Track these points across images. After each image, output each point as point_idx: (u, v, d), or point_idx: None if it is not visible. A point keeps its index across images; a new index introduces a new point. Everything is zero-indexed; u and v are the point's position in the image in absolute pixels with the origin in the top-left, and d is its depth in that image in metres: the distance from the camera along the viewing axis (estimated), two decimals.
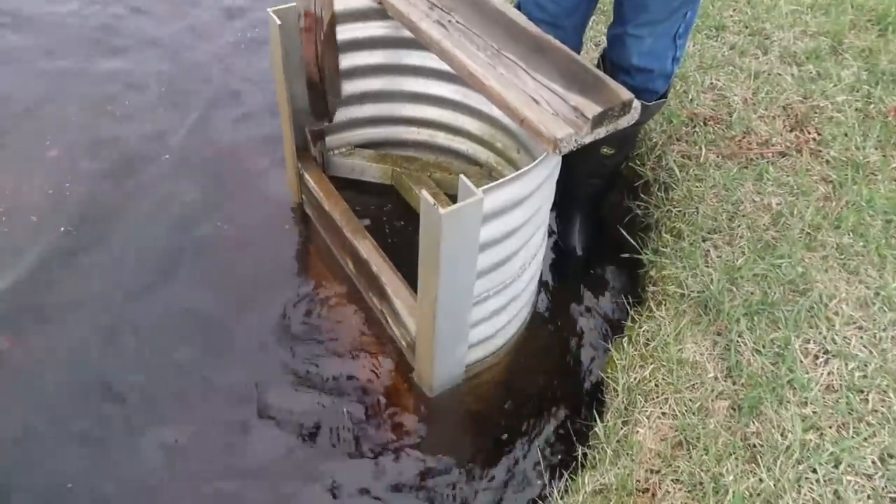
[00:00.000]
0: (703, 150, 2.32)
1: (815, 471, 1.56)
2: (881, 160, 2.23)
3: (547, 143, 1.48)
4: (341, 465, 1.80)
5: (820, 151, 2.28)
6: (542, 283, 2.21)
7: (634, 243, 2.20)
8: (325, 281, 2.19)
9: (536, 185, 1.63)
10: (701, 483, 1.58)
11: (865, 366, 1.73)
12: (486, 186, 1.49)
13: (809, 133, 2.34)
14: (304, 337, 2.04)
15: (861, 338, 1.79)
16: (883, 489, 1.53)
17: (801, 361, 1.75)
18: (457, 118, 2.36)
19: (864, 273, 1.93)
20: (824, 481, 1.54)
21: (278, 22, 1.94)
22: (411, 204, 2.32)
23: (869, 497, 1.51)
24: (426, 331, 1.75)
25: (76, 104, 2.69)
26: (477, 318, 1.80)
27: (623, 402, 1.82)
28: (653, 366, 1.84)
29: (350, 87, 2.29)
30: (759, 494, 1.53)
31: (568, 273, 2.30)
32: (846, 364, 1.74)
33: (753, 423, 1.66)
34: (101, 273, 2.15)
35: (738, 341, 1.82)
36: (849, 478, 1.55)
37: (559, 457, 1.85)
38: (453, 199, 2.12)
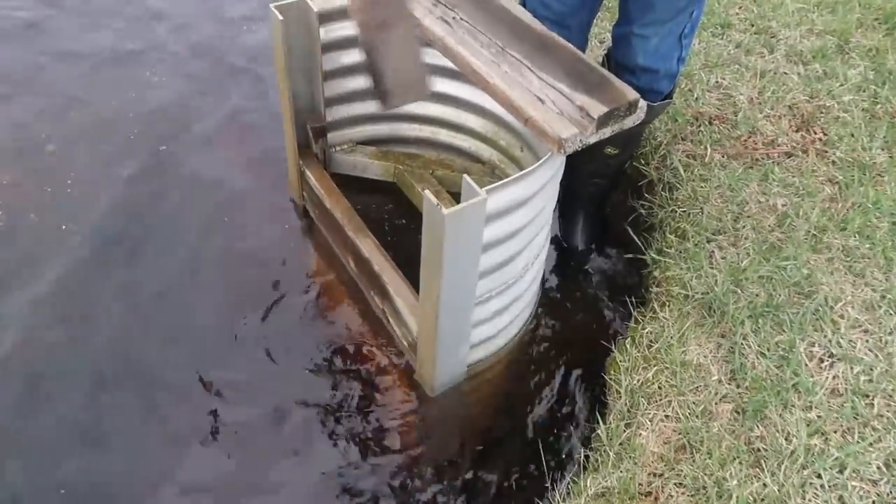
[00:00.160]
0: (708, 150, 2.30)
1: (819, 476, 1.54)
2: (888, 161, 2.21)
3: (552, 142, 1.46)
4: (342, 464, 1.79)
5: (826, 152, 2.26)
6: (544, 284, 2.19)
7: (638, 243, 2.18)
8: (326, 279, 2.17)
9: (540, 186, 1.62)
10: (704, 487, 1.57)
11: (871, 370, 1.71)
12: (489, 186, 1.48)
13: (815, 133, 2.32)
14: (304, 336, 2.03)
15: (867, 341, 1.77)
16: (888, 495, 1.51)
17: (806, 365, 1.74)
18: (460, 115, 2.34)
19: (871, 276, 1.91)
20: (829, 487, 1.53)
21: (280, 17, 1.92)
22: (413, 202, 2.30)
23: (874, 503, 1.50)
24: (428, 331, 1.74)
25: (76, 95, 2.68)
26: (479, 318, 1.79)
27: (626, 404, 1.80)
28: (656, 368, 1.82)
29: (353, 83, 2.27)
30: (763, 500, 1.52)
31: (570, 273, 2.28)
32: (851, 368, 1.72)
33: (758, 426, 1.65)
34: (98, 269, 2.13)
35: (742, 344, 1.80)
36: (854, 483, 1.53)
37: (561, 459, 1.84)
38: (456, 196, 2.11)
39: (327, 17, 2.08)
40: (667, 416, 1.73)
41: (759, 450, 1.61)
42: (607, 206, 2.37)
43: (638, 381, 1.82)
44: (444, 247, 1.50)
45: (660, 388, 1.78)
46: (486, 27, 1.68)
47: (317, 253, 2.26)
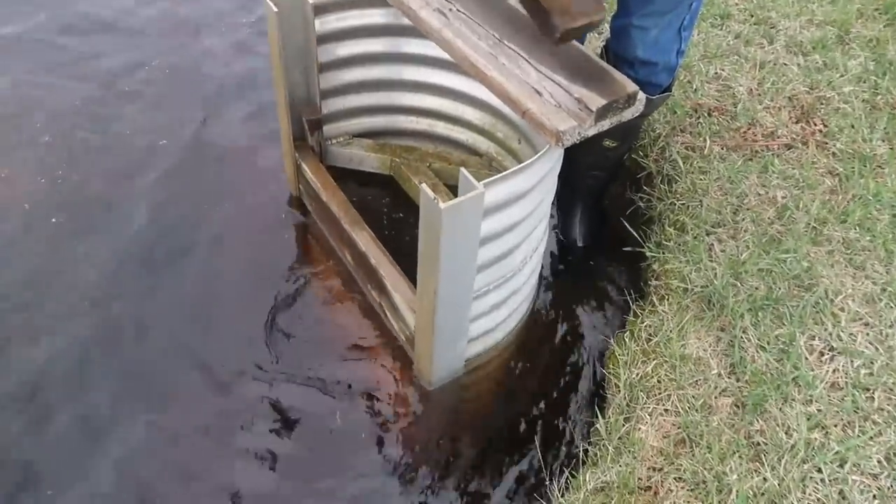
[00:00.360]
0: (708, 142, 2.29)
1: (820, 470, 1.53)
2: (889, 153, 2.19)
3: (550, 135, 1.45)
4: (338, 458, 1.78)
5: (826, 143, 2.25)
6: (542, 277, 2.18)
7: (637, 236, 2.16)
8: (323, 273, 2.16)
9: (538, 179, 1.60)
10: (704, 482, 1.56)
11: (871, 363, 1.70)
12: (487, 180, 1.46)
13: (815, 125, 2.31)
14: (301, 330, 2.02)
15: (867, 334, 1.76)
16: (889, 489, 1.50)
17: (807, 358, 1.73)
18: (457, 107, 2.32)
19: (871, 268, 1.90)
20: (829, 481, 1.52)
21: (275, 9, 1.90)
22: (410, 195, 2.29)
23: (875, 497, 1.49)
24: (426, 325, 1.73)
25: (72, 88, 2.65)
26: (477, 312, 1.78)
27: (625, 398, 1.79)
28: (655, 361, 1.81)
29: (349, 75, 2.25)
30: (763, 494, 1.51)
31: (569, 266, 2.27)
32: (852, 361, 1.71)
33: (757, 420, 1.64)
34: (92, 264, 2.12)
35: (742, 337, 1.79)
36: (854, 477, 1.52)
37: (560, 453, 1.83)
38: (453, 189, 2.10)
39: (322, 8, 2.06)
40: (666, 410, 1.72)
41: (759, 444, 1.60)
42: (606, 198, 2.36)
43: (637, 374, 1.81)
44: (442, 241, 1.48)
45: (659, 381, 1.77)
46: (484, 19, 1.66)
47: (313, 246, 2.25)
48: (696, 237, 2.05)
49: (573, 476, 1.72)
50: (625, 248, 2.20)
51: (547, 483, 1.75)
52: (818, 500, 1.50)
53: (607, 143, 2.05)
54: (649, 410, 1.72)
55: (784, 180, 2.15)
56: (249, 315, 2.03)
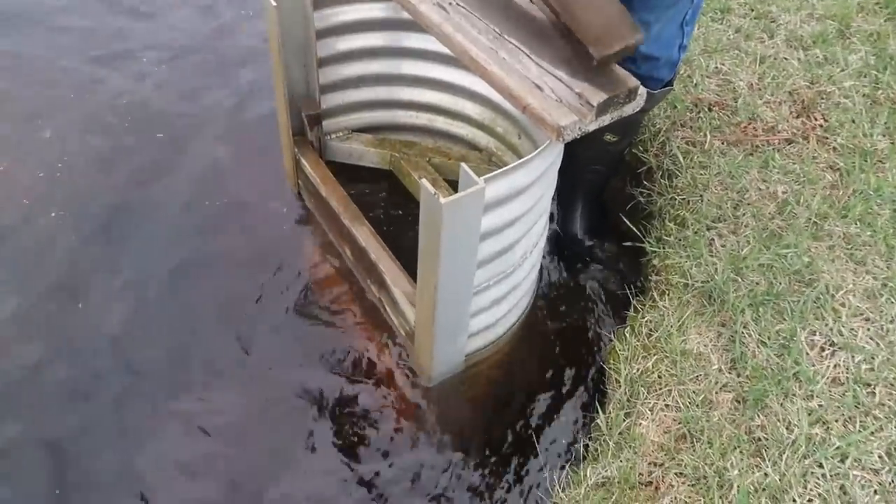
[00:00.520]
0: (708, 137, 2.28)
1: (821, 465, 1.53)
2: (889, 148, 2.19)
3: (550, 130, 1.44)
4: (337, 453, 1.78)
5: (827, 138, 2.24)
6: (542, 272, 2.18)
7: (637, 231, 2.16)
8: (322, 269, 2.15)
9: (539, 174, 1.60)
10: (705, 477, 1.56)
11: (872, 358, 1.70)
12: (487, 175, 1.46)
13: (816, 119, 2.30)
14: (298, 325, 2.02)
15: (868, 330, 1.76)
16: (890, 484, 1.50)
17: (807, 353, 1.72)
18: (457, 102, 2.31)
19: (872, 263, 1.89)
20: (831, 476, 1.52)
21: (273, 3, 1.89)
22: (410, 190, 2.28)
23: (876, 492, 1.49)
24: (426, 320, 1.72)
25: (70, 80, 2.64)
26: (477, 307, 1.77)
27: (625, 393, 1.79)
28: (656, 357, 1.81)
29: (348, 69, 2.24)
30: (764, 489, 1.51)
31: (569, 261, 2.26)
32: (853, 356, 1.71)
33: (758, 416, 1.63)
34: (90, 258, 2.11)
35: (742, 332, 1.79)
36: (855, 472, 1.52)
37: (560, 448, 1.83)
38: (452, 184, 2.09)
39: (322, 2, 2.05)
40: (667, 406, 1.71)
41: (759, 439, 1.60)
42: (606, 193, 2.35)
43: (637, 370, 1.81)
44: (442, 236, 1.48)
45: (659, 377, 1.77)
46: (484, 13, 1.65)
47: (312, 242, 2.24)
48: (696, 232, 2.05)
49: (574, 471, 1.72)
50: (625, 243, 2.20)
51: (547, 478, 1.75)
52: (819, 495, 1.50)
53: (608, 137, 2.04)
54: (650, 406, 1.72)
55: (785, 175, 2.14)
56: (246, 310, 2.03)
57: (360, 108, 2.35)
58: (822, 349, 1.73)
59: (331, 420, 1.84)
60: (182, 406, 1.84)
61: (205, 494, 1.70)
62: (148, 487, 1.69)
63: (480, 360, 1.95)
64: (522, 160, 1.50)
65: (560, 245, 2.30)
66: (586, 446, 1.78)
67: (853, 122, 2.28)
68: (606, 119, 1.49)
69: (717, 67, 2.51)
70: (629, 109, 1.52)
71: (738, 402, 1.68)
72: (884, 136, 2.23)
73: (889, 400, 1.63)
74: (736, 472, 1.54)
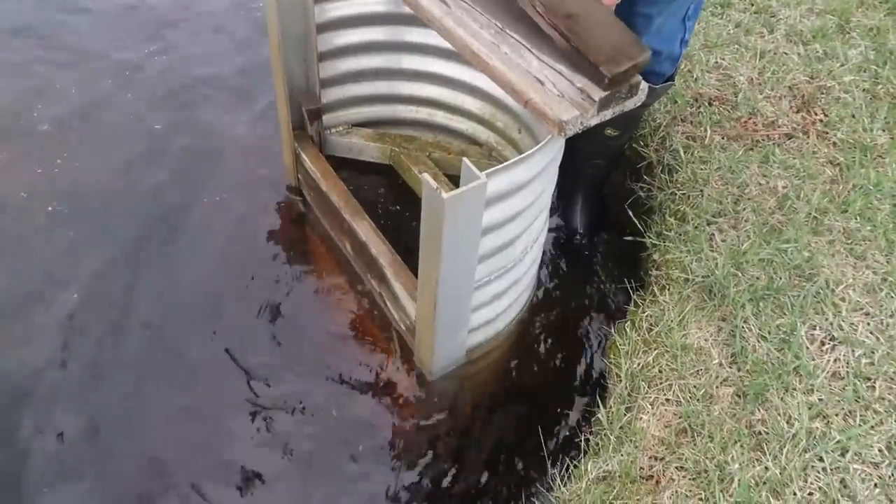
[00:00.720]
0: (708, 132, 2.28)
1: (821, 459, 1.54)
2: (889, 142, 2.19)
3: (552, 125, 1.44)
4: (338, 448, 1.78)
5: (827, 133, 2.24)
6: (543, 267, 2.18)
7: (638, 226, 2.16)
8: (323, 263, 2.15)
9: (540, 169, 1.60)
10: (706, 471, 1.56)
11: (872, 353, 1.70)
12: (489, 170, 1.45)
13: (816, 114, 2.30)
14: (299, 320, 2.02)
15: (868, 324, 1.76)
16: (890, 477, 1.51)
17: (807, 348, 1.73)
18: (457, 97, 2.31)
19: (872, 258, 1.90)
20: (831, 470, 1.52)
21: None
22: (410, 184, 2.28)
23: (876, 486, 1.49)
24: (427, 315, 1.72)
25: (70, 78, 2.63)
26: (478, 301, 1.77)
27: (626, 387, 1.80)
28: (656, 351, 1.81)
29: (348, 64, 2.24)
30: (765, 483, 1.52)
31: (570, 256, 2.27)
32: (853, 351, 1.71)
33: (759, 410, 1.64)
34: (88, 253, 2.11)
35: (743, 327, 1.79)
36: (855, 466, 1.53)
37: (561, 443, 1.83)
38: (453, 179, 2.09)
39: None
40: (667, 400, 1.72)
41: (760, 433, 1.60)
42: (606, 188, 2.35)
43: (638, 364, 1.81)
44: (444, 230, 1.48)
45: (660, 371, 1.77)
46: (485, 7, 1.65)
47: (312, 236, 2.24)
48: (696, 227, 2.05)
49: (575, 465, 1.73)
50: (625, 238, 2.20)
51: (549, 472, 1.75)
52: (819, 488, 1.50)
53: (609, 132, 2.04)
54: (651, 400, 1.73)
55: (785, 170, 2.15)
56: (247, 305, 2.03)
57: (361, 102, 2.35)
58: (823, 343, 1.74)
59: (328, 413, 1.84)
60: (173, 399, 1.84)
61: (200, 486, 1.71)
62: (145, 484, 1.69)
63: (481, 355, 1.96)
64: (524, 155, 1.50)
65: (561, 239, 2.30)
66: (587, 440, 1.79)
67: (853, 116, 2.28)
68: (608, 114, 1.49)
69: (717, 62, 2.51)
70: (631, 104, 1.52)
71: (739, 396, 1.68)
72: (884, 130, 2.23)
73: (889, 394, 1.63)
74: (737, 465, 1.55)
